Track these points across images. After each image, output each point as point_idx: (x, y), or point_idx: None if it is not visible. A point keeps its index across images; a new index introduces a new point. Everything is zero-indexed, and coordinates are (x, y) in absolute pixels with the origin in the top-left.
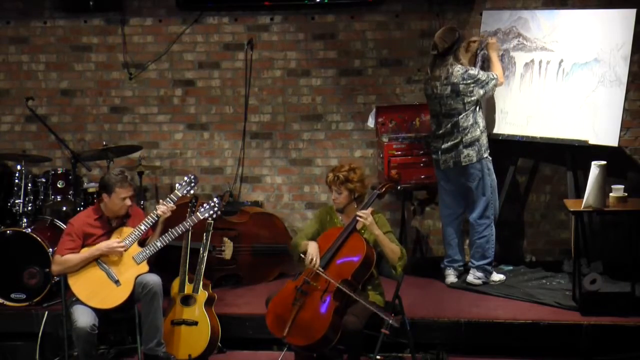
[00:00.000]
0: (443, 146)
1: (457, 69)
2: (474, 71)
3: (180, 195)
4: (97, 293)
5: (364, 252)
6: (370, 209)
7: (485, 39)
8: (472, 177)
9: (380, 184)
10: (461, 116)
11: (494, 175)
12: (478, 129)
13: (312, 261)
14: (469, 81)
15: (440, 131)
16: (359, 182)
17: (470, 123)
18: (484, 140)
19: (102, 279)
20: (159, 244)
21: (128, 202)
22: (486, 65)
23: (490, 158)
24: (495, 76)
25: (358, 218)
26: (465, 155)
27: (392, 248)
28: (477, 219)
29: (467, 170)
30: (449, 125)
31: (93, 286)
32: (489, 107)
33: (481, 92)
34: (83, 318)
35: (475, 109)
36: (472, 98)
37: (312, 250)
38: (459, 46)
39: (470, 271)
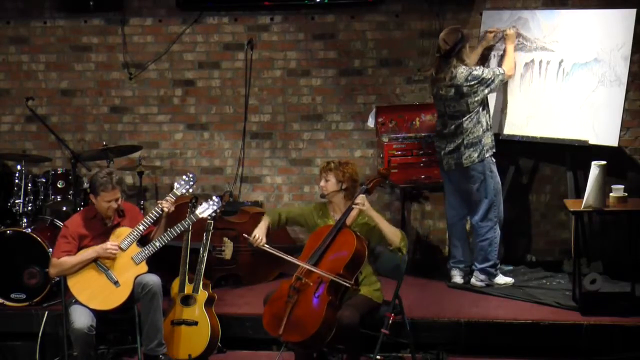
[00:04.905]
0: (447, 148)
1: (461, 71)
2: (478, 71)
3: (178, 194)
4: (97, 295)
5: (354, 245)
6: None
7: (503, 30)
8: (474, 179)
9: (367, 179)
10: (465, 118)
11: (497, 178)
12: (481, 129)
13: (254, 237)
14: (472, 82)
15: (445, 131)
16: (348, 174)
17: (473, 124)
18: (487, 139)
19: (102, 281)
20: (157, 243)
21: (113, 205)
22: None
23: (494, 160)
24: (502, 71)
25: (354, 206)
26: (466, 157)
27: (392, 230)
28: (479, 222)
29: (468, 172)
30: (453, 127)
31: (92, 288)
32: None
33: (486, 91)
34: (80, 319)
35: (479, 109)
36: (477, 98)
37: (258, 227)
38: (462, 46)
39: (474, 273)
